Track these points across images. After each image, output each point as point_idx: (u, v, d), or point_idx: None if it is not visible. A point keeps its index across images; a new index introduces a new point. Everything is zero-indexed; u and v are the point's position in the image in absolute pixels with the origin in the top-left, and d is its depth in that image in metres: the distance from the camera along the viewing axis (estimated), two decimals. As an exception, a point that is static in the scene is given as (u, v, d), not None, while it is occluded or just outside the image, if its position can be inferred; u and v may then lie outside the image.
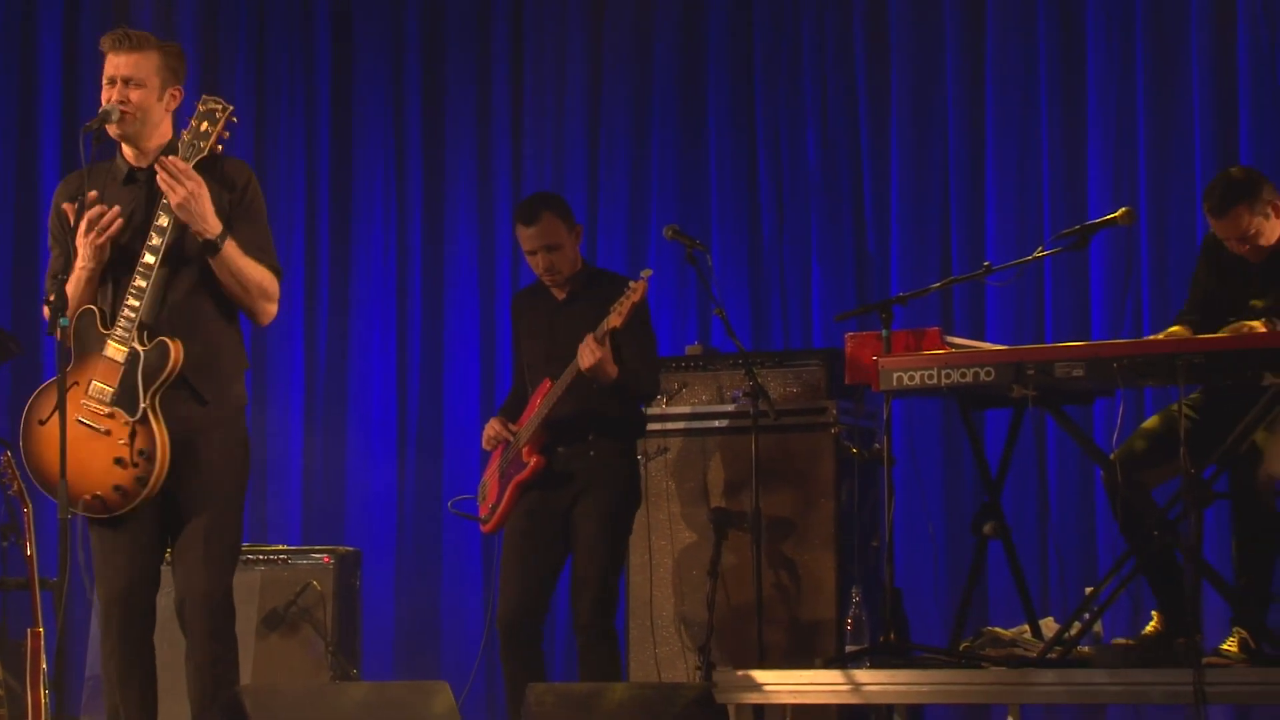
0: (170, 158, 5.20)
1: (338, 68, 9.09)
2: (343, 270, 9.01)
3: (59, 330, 5.15)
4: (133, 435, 5.21)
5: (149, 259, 5.20)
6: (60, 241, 5.37)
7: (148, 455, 5.21)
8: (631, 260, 8.54)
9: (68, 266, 5.29)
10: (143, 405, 5.20)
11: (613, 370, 6.33)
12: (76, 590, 6.70)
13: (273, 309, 5.43)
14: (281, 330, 8.58)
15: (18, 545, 6.59)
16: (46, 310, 5.17)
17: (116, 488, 5.22)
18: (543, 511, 6.49)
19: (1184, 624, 5.87)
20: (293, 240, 8.88)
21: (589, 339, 6.29)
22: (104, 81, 5.36)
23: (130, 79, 5.32)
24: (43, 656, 6.14)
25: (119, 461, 5.21)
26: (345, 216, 9.04)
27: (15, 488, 6.32)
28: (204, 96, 5.32)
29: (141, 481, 5.21)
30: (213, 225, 5.22)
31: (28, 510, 6.36)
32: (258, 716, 4.93)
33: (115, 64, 5.34)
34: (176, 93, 5.41)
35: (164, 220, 5.21)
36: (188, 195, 5.17)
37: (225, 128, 5.28)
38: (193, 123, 5.27)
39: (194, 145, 5.25)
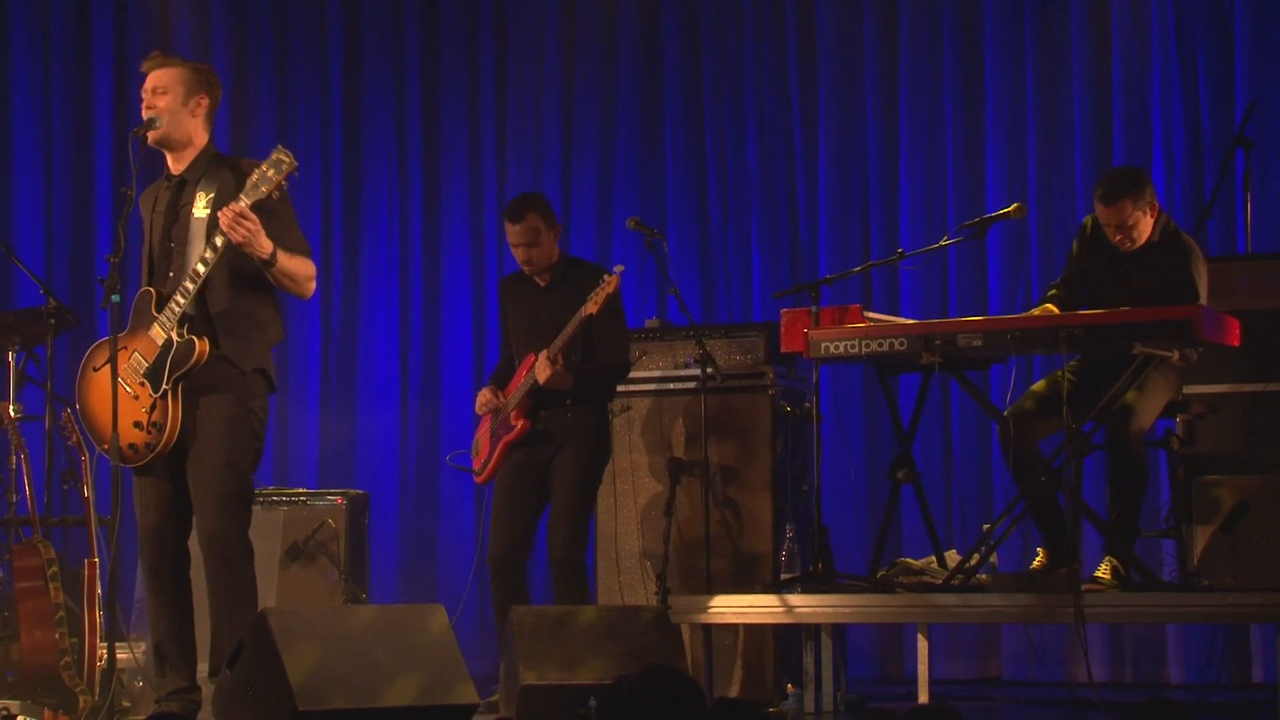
0: (231, 206, 5.13)
1: (348, 80, 9.03)
2: (353, 256, 8.96)
3: (111, 305, 5.16)
4: (153, 407, 5.22)
5: (200, 268, 5.18)
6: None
7: (159, 427, 5.21)
8: (600, 247, 8.53)
9: (117, 251, 5.26)
10: (164, 386, 5.20)
11: (567, 382, 6.31)
12: (127, 526, 6.66)
13: (313, 285, 5.42)
14: (301, 306, 8.52)
15: (76, 488, 6.56)
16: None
17: (131, 445, 5.22)
18: (526, 466, 6.47)
19: (1066, 555, 5.88)
20: (310, 230, 8.82)
21: (543, 355, 6.28)
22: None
23: (156, 88, 5.32)
24: (98, 583, 6.13)
25: (137, 424, 5.23)
26: (355, 209, 8.99)
27: (74, 439, 6.30)
28: (280, 146, 5.24)
29: (150, 447, 5.22)
30: (266, 249, 5.18)
31: (85, 459, 6.34)
32: (281, 634, 4.90)
33: (148, 79, 5.36)
34: (202, 100, 5.36)
35: (219, 241, 5.16)
36: (247, 235, 5.13)
37: (286, 179, 5.19)
38: (263, 166, 5.19)
39: (257, 187, 5.17)
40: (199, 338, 5.19)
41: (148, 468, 5.26)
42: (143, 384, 5.22)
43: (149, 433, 5.20)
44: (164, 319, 5.21)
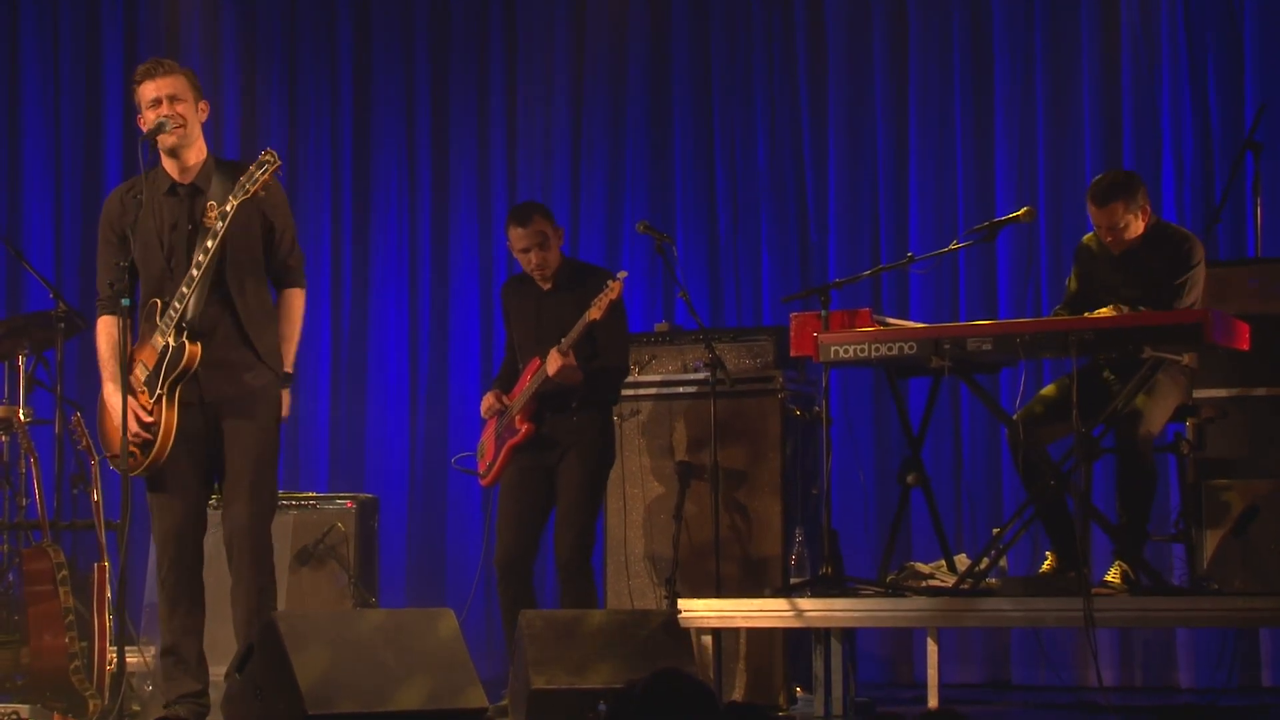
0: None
1: (358, 85, 9.05)
2: (363, 258, 8.97)
3: (120, 310, 5.19)
4: (150, 412, 5.23)
5: (194, 272, 5.20)
6: (109, 240, 5.40)
7: (153, 432, 5.22)
8: (609, 250, 8.54)
9: (127, 255, 5.29)
10: (159, 390, 5.22)
11: (577, 377, 6.33)
12: (137, 530, 6.68)
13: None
14: (311, 309, 8.45)
15: (86, 492, 6.58)
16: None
17: (131, 453, 5.22)
18: (532, 469, 6.49)
19: (1075, 560, 5.89)
20: (320, 232, 8.86)
21: (554, 351, 6.30)
22: (147, 105, 5.34)
23: (173, 96, 5.32)
24: (107, 587, 6.16)
25: (143, 426, 5.23)
26: (365, 214, 9.00)
27: (84, 444, 6.32)
28: (266, 149, 5.28)
29: (145, 451, 5.23)
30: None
31: (95, 463, 6.36)
32: (290, 638, 4.92)
33: (156, 86, 5.33)
34: (205, 105, 5.42)
35: (209, 243, 5.19)
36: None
37: (271, 176, 5.22)
38: (251, 168, 5.22)
39: (244, 186, 5.20)
40: (191, 343, 5.20)
41: (169, 471, 5.26)
42: (144, 391, 5.25)
43: (145, 431, 5.21)
44: (163, 325, 5.22)
